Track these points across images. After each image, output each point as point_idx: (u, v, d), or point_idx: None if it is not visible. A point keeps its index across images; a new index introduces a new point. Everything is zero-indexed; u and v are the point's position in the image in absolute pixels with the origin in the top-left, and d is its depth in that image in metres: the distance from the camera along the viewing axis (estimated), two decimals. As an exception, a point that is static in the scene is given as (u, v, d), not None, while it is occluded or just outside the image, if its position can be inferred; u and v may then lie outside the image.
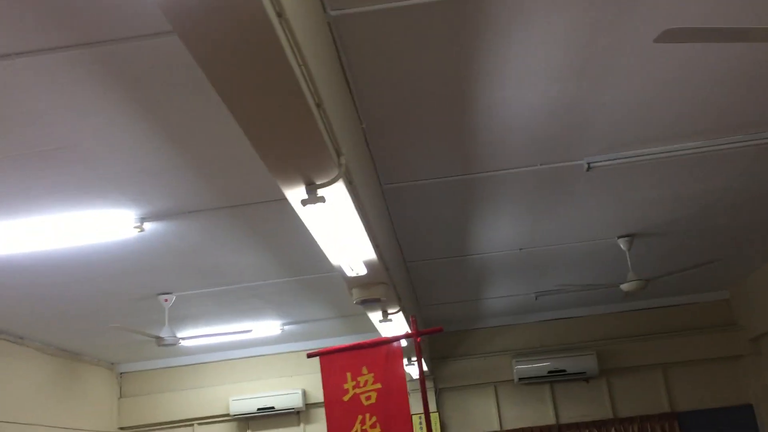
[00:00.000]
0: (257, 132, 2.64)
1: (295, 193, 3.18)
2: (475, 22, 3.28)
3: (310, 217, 3.50)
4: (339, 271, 4.53)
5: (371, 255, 4.26)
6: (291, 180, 3.07)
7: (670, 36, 2.83)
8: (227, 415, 9.86)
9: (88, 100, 3.47)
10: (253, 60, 2.19)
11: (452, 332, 9.86)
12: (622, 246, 6.74)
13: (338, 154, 3.01)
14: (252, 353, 10.10)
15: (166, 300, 6.97)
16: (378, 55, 3.50)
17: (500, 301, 9.02)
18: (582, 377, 9.51)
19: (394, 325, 6.03)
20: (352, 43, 3.37)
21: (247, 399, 9.73)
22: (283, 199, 4.90)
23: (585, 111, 4.24)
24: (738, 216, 6.44)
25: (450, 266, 7.25)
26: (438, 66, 3.63)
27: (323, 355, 4.23)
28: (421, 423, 9.27)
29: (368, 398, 4.09)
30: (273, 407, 9.65)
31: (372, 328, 7.97)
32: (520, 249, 6.88)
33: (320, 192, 3.13)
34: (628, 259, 6.90)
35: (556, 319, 9.90)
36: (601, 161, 4.92)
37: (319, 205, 3.18)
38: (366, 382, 4.11)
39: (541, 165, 4.98)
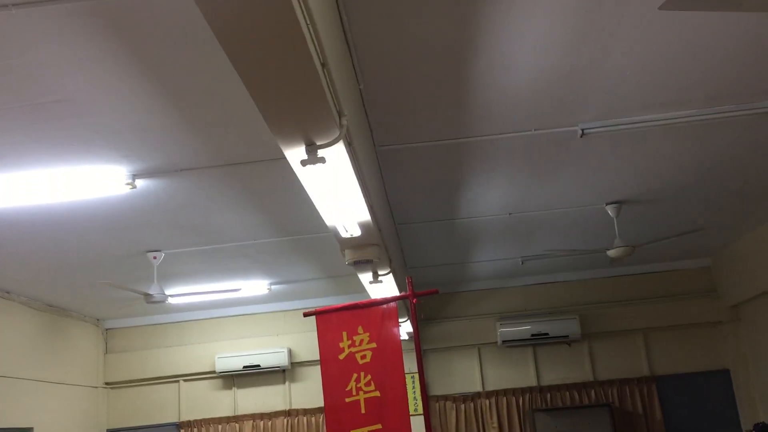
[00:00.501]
0: (262, 91, 2.62)
1: (295, 153, 3.18)
2: (479, -15, 3.26)
3: (309, 177, 3.50)
4: (333, 232, 4.55)
5: (366, 217, 4.29)
6: (292, 140, 3.06)
7: (675, 3, 2.83)
8: (213, 372, 9.95)
9: (85, 53, 3.42)
10: (262, 17, 2.17)
11: (438, 295, 9.96)
12: (610, 213, 6.81)
13: (340, 116, 3.00)
14: (239, 312, 10.16)
15: (155, 257, 6.96)
16: (379, 16, 3.47)
17: (487, 265, 9.11)
18: (564, 341, 9.68)
19: (384, 287, 6.09)
20: (354, 2, 3.33)
21: (233, 357, 9.82)
22: (277, 159, 4.93)
23: (583, 76, 4.24)
24: (724, 186, 6.52)
25: (439, 229, 7.30)
26: (438, 28, 3.61)
27: (319, 314, 4.27)
28: (414, 381, 9.42)
29: (363, 357, 4.15)
30: (258, 365, 9.75)
31: (359, 289, 8.04)
32: (510, 214, 6.93)
33: (320, 153, 3.13)
34: (616, 225, 6.98)
35: (541, 284, 10.03)
36: (594, 128, 4.94)
37: (318, 165, 3.19)
38: (361, 341, 4.17)
39: (535, 130, 4.99)
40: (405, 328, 8.85)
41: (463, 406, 9.73)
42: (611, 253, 6.95)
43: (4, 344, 7.83)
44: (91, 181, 4.97)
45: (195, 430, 9.83)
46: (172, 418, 9.97)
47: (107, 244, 6.57)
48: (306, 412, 9.79)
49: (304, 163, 3.16)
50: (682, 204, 6.96)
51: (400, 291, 6.62)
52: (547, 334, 9.58)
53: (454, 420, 9.66)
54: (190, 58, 3.58)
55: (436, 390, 9.87)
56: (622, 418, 9.50)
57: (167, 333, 10.21)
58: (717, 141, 5.44)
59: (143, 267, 7.30)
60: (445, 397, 9.79)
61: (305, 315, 4.39)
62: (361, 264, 5.01)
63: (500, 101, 4.50)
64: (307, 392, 9.88)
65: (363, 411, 4.17)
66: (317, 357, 4.52)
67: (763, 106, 4.81)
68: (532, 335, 9.60)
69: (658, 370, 9.71)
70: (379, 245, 4.93)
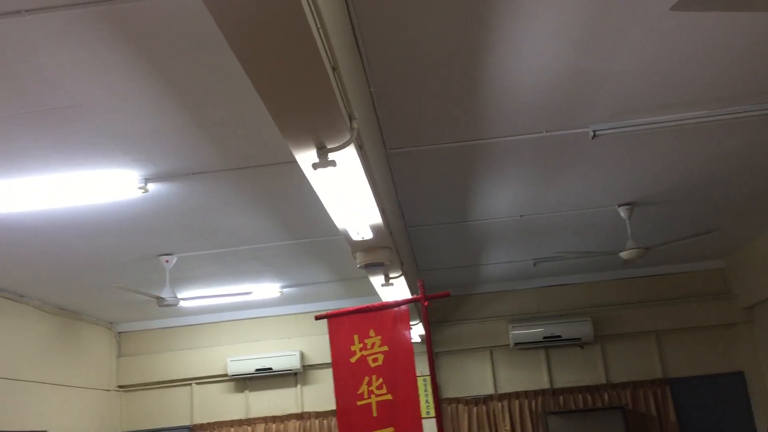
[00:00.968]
0: (273, 95, 2.63)
1: (306, 157, 3.18)
2: (490, -13, 3.25)
3: (320, 180, 3.50)
4: (344, 235, 4.55)
5: (377, 219, 4.28)
6: (303, 143, 3.06)
7: (687, 3, 2.82)
8: (225, 375, 9.98)
9: (96, 59, 3.44)
10: (273, 21, 2.17)
11: (450, 297, 9.93)
12: (622, 214, 6.78)
13: (351, 119, 3.00)
14: (250, 315, 10.18)
15: (167, 261, 6.99)
16: (389, 18, 3.47)
17: (499, 267, 9.09)
18: (577, 343, 9.64)
19: (395, 289, 6.08)
20: (364, 4, 3.33)
21: (245, 360, 9.84)
22: (287, 163, 4.93)
23: (594, 78, 4.22)
24: (737, 187, 6.47)
25: (450, 232, 7.29)
26: (447, 30, 3.61)
27: (331, 317, 4.27)
28: (426, 384, 9.41)
29: (375, 360, 4.15)
30: (270, 368, 9.76)
31: (371, 292, 8.03)
32: (521, 216, 6.91)
33: (331, 156, 3.13)
34: (628, 227, 6.94)
35: (553, 286, 10.00)
36: (606, 129, 4.91)
37: (329, 169, 3.19)
38: (373, 344, 4.17)
39: (546, 132, 4.97)
40: (417, 331, 8.84)
41: (475, 408, 9.70)
42: (624, 254, 6.91)
43: (18, 347, 7.88)
44: (103, 186, 5.00)
45: (207, 433, 9.86)
46: (185, 421, 10.00)
47: (120, 248, 6.60)
48: (318, 415, 9.79)
49: (315, 166, 3.17)
50: (695, 205, 6.92)
51: (412, 294, 6.61)
52: (559, 336, 9.54)
53: (466, 423, 9.64)
54: (201, 62, 3.59)
55: (448, 393, 9.84)
56: (636, 421, 9.44)
57: (179, 336, 10.25)
58: (729, 142, 5.40)
59: (156, 270, 7.33)
60: (458, 400, 9.77)
61: (317, 318, 4.40)
62: (373, 267, 5.00)
63: (511, 103, 4.49)
64: (320, 395, 9.88)
65: (375, 414, 4.17)
66: (329, 360, 4.52)
67: (776, 107, 4.78)
68: (545, 337, 9.56)
69: (671, 372, 9.64)
70: (390, 248, 4.92)
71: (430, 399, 9.56)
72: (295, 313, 10.09)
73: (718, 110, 4.81)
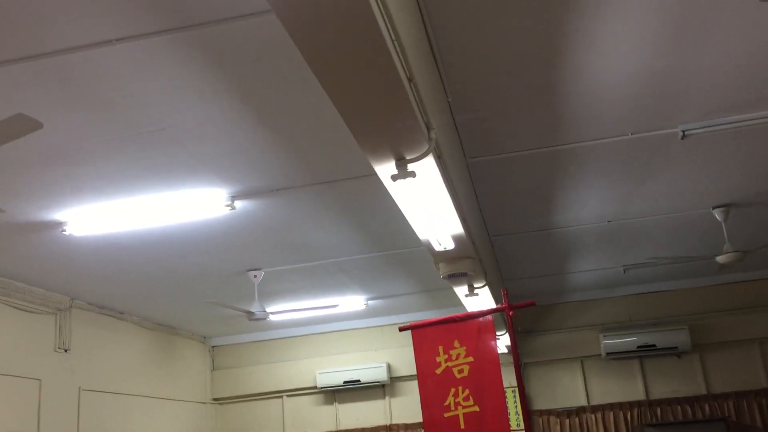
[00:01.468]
0: (350, 108, 2.66)
1: (386, 169, 3.20)
2: (566, -11, 3.20)
3: (400, 192, 3.51)
4: (426, 246, 4.54)
5: (459, 229, 4.26)
6: (381, 156, 3.08)
7: (777, -7, 2.68)
8: (314, 387, 10.11)
9: (184, 83, 3.58)
10: (348, 35, 2.20)
11: (537, 306, 9.75)
12: (717, 216, 6.48)
13: (428, 129, 3.00)
14: (337, 327, 10.30)
15: (255, 276, 7.17)
16: (465, 25, 3.45)
17: (586, 275, 8.85)
18: (673, 352, 9.26)
19: (479, 300, 6.02)
20: (438, 13, 3.34)
21: (333, 372, 9.95)
22: (368, 176, 4.97)
23: (681, 76, 4.07)
24: None
25: (534, 240, 7.16)
26: (526, 33, 3.56)
27: (415, 329, 4.27)
28: (515, 396, 9.26)
29: (461, 371, 4.11)
30: (359, 380, 9.83)
31: (455, 303, 7.98)
32: (608, 221, 6.72)
33: (410, 167, 3.14)
34: (725, 230, 6.64)
35: (645, 293, 9.65)
36: (696, 129, 4.72)
37: (408, 180, 3.19)
38: (458, 355, 4.14)
39: (632, 134, 4.82)
40: (503, 341, 8.71)
41: (567, 420, 9.46)
42: (720, 259, 6.61)
43: (119, 362, 8.25)
44: (193, 204, 5.19)
45: (299, 444, 10.01)
46: (277, 433, 10.20)
47: (210, 264, 6.82)
48: (407, 427, 9.77)
49: (394, 178, 3.18)
50: (797, 205, 6.54)
51: (497, 303, 6.53)
52: (654, 345, 9.20)
53: (558, 435, 9.41)
54: (283, 82, 3.68)
55: (539, 404, 9.64)
56: (740, 434, 8.98)
57: (270, 349, 10.47)
58: (833, 136, 5.09)
59: (245, 285, 7.52)
60: (549, 412, 9.55)
61: (400, 329, 4.40)
62: (456, 277, 4.98)
63: (594, 106, 4.38)
64: (407, 407, 9.86)
65: (462, 426, 4.12)
66: (416, 372, 4.51)
67: None
68: (638, 347, 9.23)
69: (777, 382, 9.13)
70: (473, 258, 4.88)
71: (519, 410, 9.38)
72: (381, 325, 10.13)
73: (817, 104, 4.55)
